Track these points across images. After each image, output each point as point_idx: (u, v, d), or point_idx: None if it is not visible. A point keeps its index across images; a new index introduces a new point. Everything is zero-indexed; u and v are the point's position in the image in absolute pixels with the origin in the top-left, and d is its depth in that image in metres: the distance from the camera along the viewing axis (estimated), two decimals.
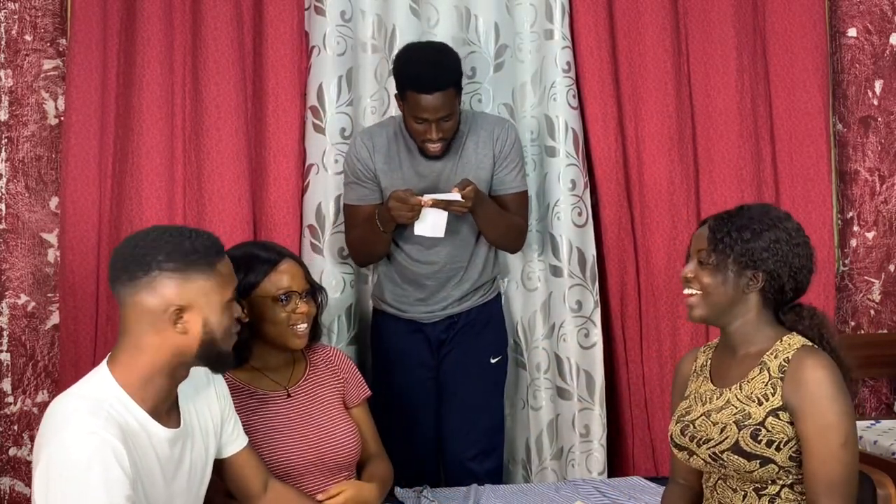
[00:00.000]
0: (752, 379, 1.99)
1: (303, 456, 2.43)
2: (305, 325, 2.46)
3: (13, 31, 3.39)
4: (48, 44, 3.41)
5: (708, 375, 2.11)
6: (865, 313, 3.82)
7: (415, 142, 3.00)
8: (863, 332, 3.80)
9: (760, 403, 1.96)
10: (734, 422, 1.97)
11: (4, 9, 3.39)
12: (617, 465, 3.49)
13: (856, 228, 3.82)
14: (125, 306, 1.89)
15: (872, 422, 3.51)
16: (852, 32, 3.82)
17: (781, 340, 2.01)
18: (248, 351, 2.45)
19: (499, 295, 3.27)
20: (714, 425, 2.00)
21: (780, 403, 1.94)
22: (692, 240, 2.11)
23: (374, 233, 3.01)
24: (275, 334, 2.44)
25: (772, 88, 3.56)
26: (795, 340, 2.01)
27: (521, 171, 3.13)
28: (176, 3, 3.26)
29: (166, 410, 1.94)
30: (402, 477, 2.90)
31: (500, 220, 3.06)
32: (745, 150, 3.50)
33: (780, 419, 1.94)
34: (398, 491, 2.77)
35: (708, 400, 2.06)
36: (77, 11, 3.23)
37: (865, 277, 3.82)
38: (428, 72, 2.89)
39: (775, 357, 1.99)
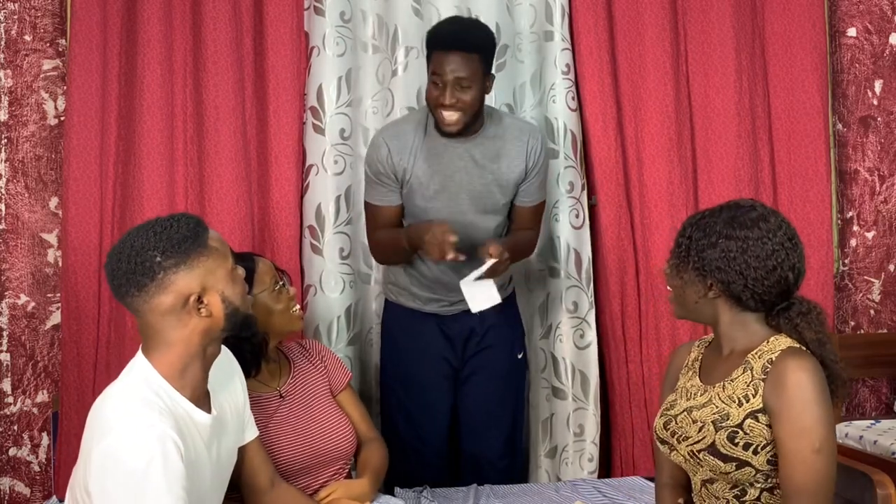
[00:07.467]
0: (736, 378, 1.97)
1: (301, 454, 2.45)
2: (299, 306, 2.62)
3: (13, 32, 3.39)
4: (48, 44, 3.41)
5: (697, 370, 2.09)
6: (865, 313, 3.82)
7: (434, 119, 2.85)
8: (862, 332, 3.80)
9: (741, 405, 1.93)
10: (712, 422, 1.94)
11: (4, 9, 3.39)
12: (617, 465, 3.49)
13: (855, 228, 3.82)
14: (144, 314, 1.89)
15: (872, 422, 3.49)
16: (852, 32, 3.82)
17: (768, 341, 1.97)
18: (265, 354, 2.50)
19: (514, 292, 3.23)
20: (693, 423, 1.98)
21: (761, 405, 1.91)
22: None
23: (399, 246, 2.93)
24: (281, 323, 2.52)
25: (770, 88, 3.56)
26: (783, 341, 1.96)
27: (545, 181, 3.08)
28: (176, 4, 3.26)
29: (202, 396, 1.96)
30: (407, 474, 2.90)
31: (523, 249, 3.05)
32: (743, 151, 3.50)
33: (759, 421, 1.91)
34: (398, 491, 2.77)
35: (692, 396, 2.04)
36: (77, 12, 3.23)
37: (865, 277, 3.82)
38: (452, 29, 2.90)
39: (759, 357, 1.95)
